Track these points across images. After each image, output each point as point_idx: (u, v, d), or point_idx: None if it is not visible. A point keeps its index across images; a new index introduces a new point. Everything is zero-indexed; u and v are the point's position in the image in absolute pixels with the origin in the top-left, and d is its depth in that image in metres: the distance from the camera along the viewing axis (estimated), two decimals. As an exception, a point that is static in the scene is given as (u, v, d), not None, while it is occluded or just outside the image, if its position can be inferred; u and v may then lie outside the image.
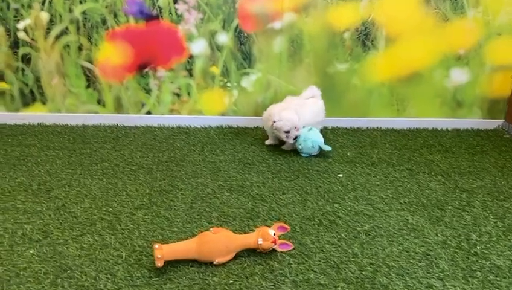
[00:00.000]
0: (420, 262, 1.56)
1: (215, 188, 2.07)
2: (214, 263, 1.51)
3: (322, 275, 1.50)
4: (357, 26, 2.72)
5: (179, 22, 2.67)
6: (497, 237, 1.72)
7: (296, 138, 2.41)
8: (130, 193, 2.00)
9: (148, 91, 2.81)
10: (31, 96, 2.79)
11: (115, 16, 2.64)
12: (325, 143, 2.42)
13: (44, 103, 2.81)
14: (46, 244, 1.63)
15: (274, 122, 2.38)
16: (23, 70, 2.73)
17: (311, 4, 2.65)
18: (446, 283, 1.47)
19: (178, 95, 2.83)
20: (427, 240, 1.68)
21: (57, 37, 2.68)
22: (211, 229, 1.55)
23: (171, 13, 2.66)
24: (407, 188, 2.08)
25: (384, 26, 2.72)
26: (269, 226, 1.62)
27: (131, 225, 1.75)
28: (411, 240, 1.68)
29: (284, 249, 1.59)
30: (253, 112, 2.88)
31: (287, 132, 2.39)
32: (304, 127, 2.44)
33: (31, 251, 1.59)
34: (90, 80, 2.77)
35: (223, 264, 1.53)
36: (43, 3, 2.59)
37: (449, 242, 1.67)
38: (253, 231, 1.69)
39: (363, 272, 1.51)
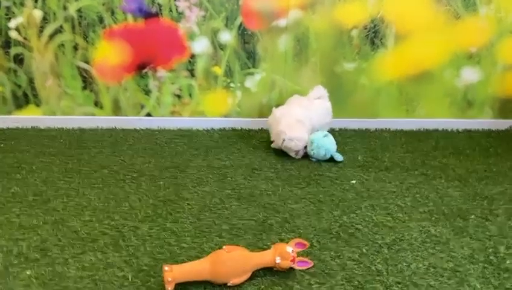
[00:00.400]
0: (449, 280, 1.45)
1: (223, 197, 1.95)
2: (229, 284, 1.39)
3: (345, 295, 1.39)
4: (365, 24, 2.61)
5: (180, 19, 2.54)
6: (525, 249, 1.62)
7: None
8: (132, 204, 1.88)
9: (147, 92, 2.68)
10: (24, 98, 2.65)
11: (113, 13, 2.51)
12: (337, 150, 2.33)
13: (38, 105, 2.67)
14: (45, 264, 1.50)
15: (284, 140, 2.30)
16: (15, 71, 2.59)
17: (318, 1, 2.53)
18: (478, 303, 1.37)
19: (179, 96, 2.70)
20: (453, 254, 1.58)
21: (51, 36, 2.53)
22: (224, 247, 1.44)
23: (171, 10, 2.53)
24: (425, 196, 1.98)
25: (394, 24, 2.61)
26: (286, 242, 1.51)
27: (136, 241, 1.63)
28: (437, 255, 1.57)
29: (303, 267, 1.47)
30: (258, 114, 2.76)
31: (297, 151, 2.33)
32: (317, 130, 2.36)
33: (27, 272, 1.46)
34: (86, 81, 2.63)
35: (238, 285, 1.41)
36: (36, 1, 2.45)
37: (476, 256, 1.57)
38: (267, 246, 1.59)
39: (390, 292, 1.41)
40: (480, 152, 2.48)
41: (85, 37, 2.54)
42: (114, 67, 2.60)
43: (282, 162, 2.30)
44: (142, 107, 2.71)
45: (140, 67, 2.62)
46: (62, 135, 2.59)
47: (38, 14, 2.48)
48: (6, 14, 2.48)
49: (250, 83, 2.70)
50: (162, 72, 2.64)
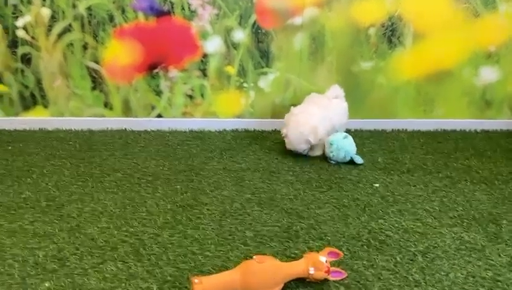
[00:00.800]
0: (491, 290, 1.39)
1: (243, 201, 1.88)
2: (260, 296, 1.32)
3: (382, 307, 1.32)
4: (383, 22, 2.54)
5: (192, 18, 2.47)
6: None
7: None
8: (150, 209, 1.80)
9: (158, 93, 2.60)
10: (31, 99, 2.57)
11: (123, 11, 2.43)
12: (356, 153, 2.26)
13: (46, 106, 2.59)
14: (63, 275, 1.42)
15: (311, 144, 2.27)
16: (22, 71, 2.51)
17: (335, -2, 2.47)
18: (522, 315, 1.31)
19: (191, 96, 2.62)
20: (491, 262, 1.51)
21: (60, 35, 2.45)
22: (254, 257, 1.36)
23: (183, 9, 2.45)
24: (453, 199, 1.91)
25: (412, 22, 2.55)
26: (317, 251, 1.44)
27: (158, 249, 1.56)
28: (474, 262, 1.50)
29: (337, 278, 1.40)
30: (271, 114, 2.69)
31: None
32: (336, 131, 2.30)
33: (46, 284, 1.38)
34: (96, 81, 2.55)
35: (270, 298, 1.34)
36: (45, -2, 2.37)
37: (515, 264, 1.51)
38: (295, 255, 1.52)
39: (429, 304, 1.34)
40: (502, 153, 2.41)
41: (95, 36, 2.47)
42: (124, 67, 2.53)
43: (301, 165, 2.23)
44: (153, 108, 2.63)
45: (152, 67, 2.54)
46: (71, 137, 2.51)
47: (46, 12, 2.40)
48: (14, 13, 2.39)
49: (264, 82, 2.63)
50: (173, 72, 2.56)
